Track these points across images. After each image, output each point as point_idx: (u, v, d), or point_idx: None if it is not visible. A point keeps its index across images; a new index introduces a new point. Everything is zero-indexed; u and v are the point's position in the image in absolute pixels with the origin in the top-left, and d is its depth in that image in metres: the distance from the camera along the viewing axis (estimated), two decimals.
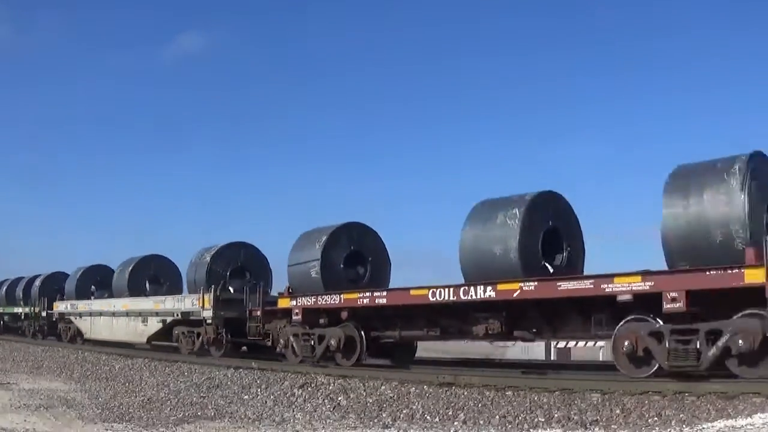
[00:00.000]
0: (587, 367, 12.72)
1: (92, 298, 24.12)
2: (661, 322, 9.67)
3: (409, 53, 78.50)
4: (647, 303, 9.82)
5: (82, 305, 23.83)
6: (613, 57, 72.22)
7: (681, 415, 7.98)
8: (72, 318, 24.58)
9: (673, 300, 9.45)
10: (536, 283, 11.01)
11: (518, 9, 74.09)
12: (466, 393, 10.38)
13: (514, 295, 11.15)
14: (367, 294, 13.40)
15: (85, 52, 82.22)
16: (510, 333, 11.95)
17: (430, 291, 12.31)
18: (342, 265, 14.83)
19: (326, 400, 10.82)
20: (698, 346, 9.22)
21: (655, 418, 8.06)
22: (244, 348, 17.73)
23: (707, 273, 9.30)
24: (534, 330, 11.95)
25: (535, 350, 24.08)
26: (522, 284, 11.10)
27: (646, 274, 10.00)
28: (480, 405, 9.58)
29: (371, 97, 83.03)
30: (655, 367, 9.81)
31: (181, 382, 13.78)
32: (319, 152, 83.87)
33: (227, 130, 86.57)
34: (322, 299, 14.21)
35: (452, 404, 9.77)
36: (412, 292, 12.77)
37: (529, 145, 78.04)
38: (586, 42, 72.61)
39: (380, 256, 15.42)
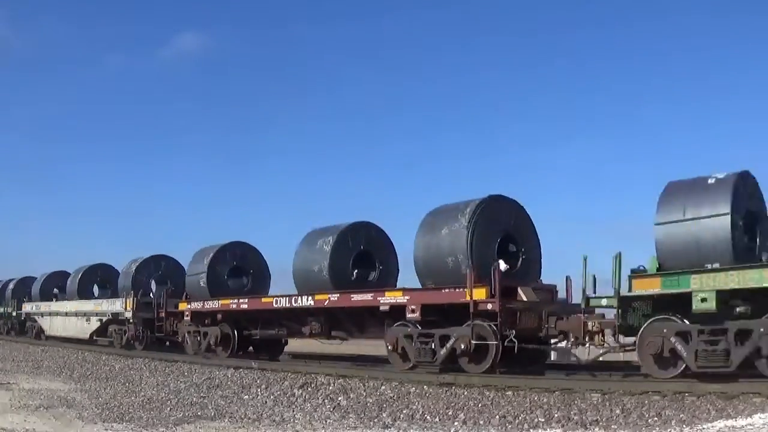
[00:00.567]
0: (587, 367, 12.73)
1: (54, 300, 27.05)
2: (418, 327, 12.58)
3: (409, 53, 78.47)
4: (402, 312, 12.81)
5: (44, 306, 27.13)
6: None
7: (681, 415, 7.99)
8: (36, 317, 27.86)
9: (413, 311, 12.64)
10: (338, 294, 14.22)
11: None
12: (466, 393, 10.39)
13: (325, 303, 14.33)
14: (236, 300, 16.92)
15: (84, 52, 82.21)
16: (329, 333, 15.21)
17: (274, 299, 15.88)
18: (226, 276, 18.49)
19: (326, 400, 10.82)
20: (434, 347, 12.24)
21: (655, 418, 8.06)
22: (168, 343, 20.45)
23: (443, 291, 12.35)
24: (346, 331, 15.15)
25: None
26: (330, 295, 14.35)
27: (405, 290, 13.14)
28: (480, 405, 9.59)
29: (371, 97, 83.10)
30: (412, 363, 12.66)
31: (181, 382, 13.79)
32: (318, 152, 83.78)
33: (225, 130, 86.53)
34: (207, 304, 17.83)
35: (452, 404, 9.78)
36: (263, 299, 16.47)
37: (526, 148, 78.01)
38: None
39: (261, 269, 19.05)
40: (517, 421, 8.64)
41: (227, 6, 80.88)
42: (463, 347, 11.65)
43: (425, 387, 11.05)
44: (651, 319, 9.98)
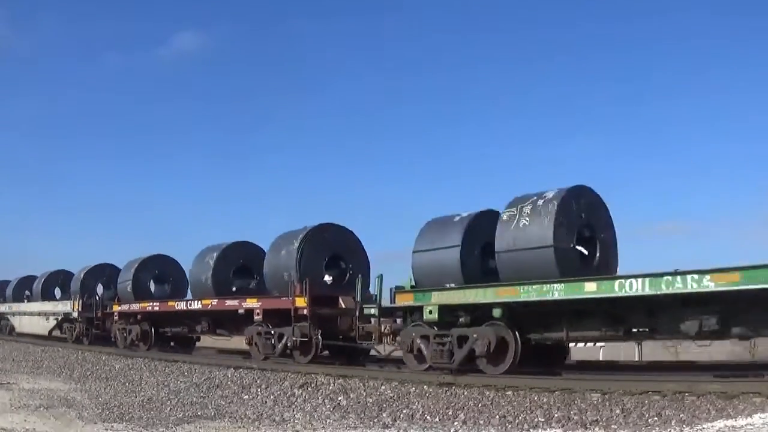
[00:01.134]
0: (587, 367, 12.76)
1: (26, 301, 30.48)
2: (266, 326, 15.76)
3: (409, 54, 78.37)
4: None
5: (15, 307, 30.70)
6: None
7: (681, 415, 7.98)
8: (9, 316, 31.37)
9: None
10: (217, 300, 17.60)
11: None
12: (466, 393, 10.39)
13: (209, 307, 17.82)
14: (151, 304, 20.39)
15: (83, 50, 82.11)
16: (215, 331, 18.66)
17: (176, 303, 19.44)
18: (149, 283, 22.25)
19: (326, 400, 10.82)
20: (273, 342, 15.50)
21: (655, 418, 8.05)
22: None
23: (280, 299, 15.47)
24: (226, 329, 18.27)
25: None
26: (212, 300, 17.73)
27: (258, 298, 16.17)
28: (480, 405, 9.59)
29: (371, 98, 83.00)
30: (264, 356, 15.66)
31: (181, 382, 13.79)
32: (318, 153, 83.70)
33: (225, 127, 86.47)
34: (131, 306, 21.17)
35: (452, 404, 9.78)
36: (168, 303, 19.85)
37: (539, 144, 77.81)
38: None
39: (179, 277, 22.20)
40: (517, 421, 8.63)
41: (226, 3, 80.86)
42: (290, 343, 15.01)
43: (425, 387, 11.06)
44: (410, 325, 12.67)
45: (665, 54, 66.94)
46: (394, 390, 11.05)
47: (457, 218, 12.81)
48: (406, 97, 78.29)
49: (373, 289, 13.98)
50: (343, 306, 14.73)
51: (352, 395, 10.99)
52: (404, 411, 9.63)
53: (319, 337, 14.54)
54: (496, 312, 11.31)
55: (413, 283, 12.87)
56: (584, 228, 11.60)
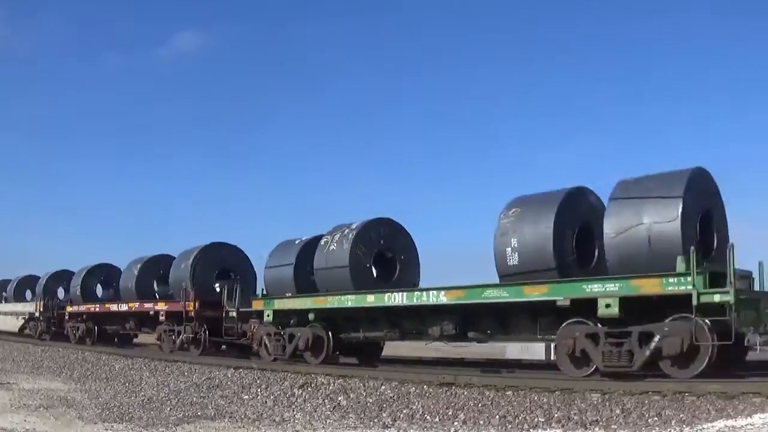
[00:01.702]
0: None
1: (4, 302, 34.11)
2: (173, 325, 19.03)
3: (409, 54, 78.33)
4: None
5: None
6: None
7: (681, 415, 7.98)
8: None
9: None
10: (138, 303, 21.27)
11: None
12: (466, 393, 10.38)
13: (133, 308, 21.41)
14: (92, 306, 24.04)
15: (83, 50, 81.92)
16: (140, 329, 21.94)
17: (111, 305, 22.83)
18: (95, 287, 25.85)
19: (326, 400, 10.82)
20: (174, 337, 19.00)
21: (655, 418, 8.05)
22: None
23: (179, 302, 18.84)
24: (150, 328, 20.89)
25: (536, 349, 23.98)
26: (135, 303, 21.37)
27: (166, 303, 19.79)
28: (480, 405, 9.58)
29: (371, 98, 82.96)
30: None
31: (181, 382, 13.79)
32: (318, 153, 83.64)
33: (225, 127, 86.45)
34: (79, 308, 24.79)
35: (452, 404, 9.77)
36: (105, 305, 23.26)
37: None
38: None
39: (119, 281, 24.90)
40: (517, 421, 8.64)
41: (226, 3, 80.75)
42: (184, 337, 18.44)
43: (425, 387, 11.05)
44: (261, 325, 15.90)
45: (665, 54, 66.83)
46: (394, 390, 11.05)
47: (297, 242, 16.13)
48: (406, 97, 78.08)
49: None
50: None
51: (352, 395, 10.98)
52: (404, 411, 9.63)
53: (203, 334, 18.03)
54: (311, 316, 14.56)
55: (265, 292, 16.26)
56: (386, 251, 14.85)
